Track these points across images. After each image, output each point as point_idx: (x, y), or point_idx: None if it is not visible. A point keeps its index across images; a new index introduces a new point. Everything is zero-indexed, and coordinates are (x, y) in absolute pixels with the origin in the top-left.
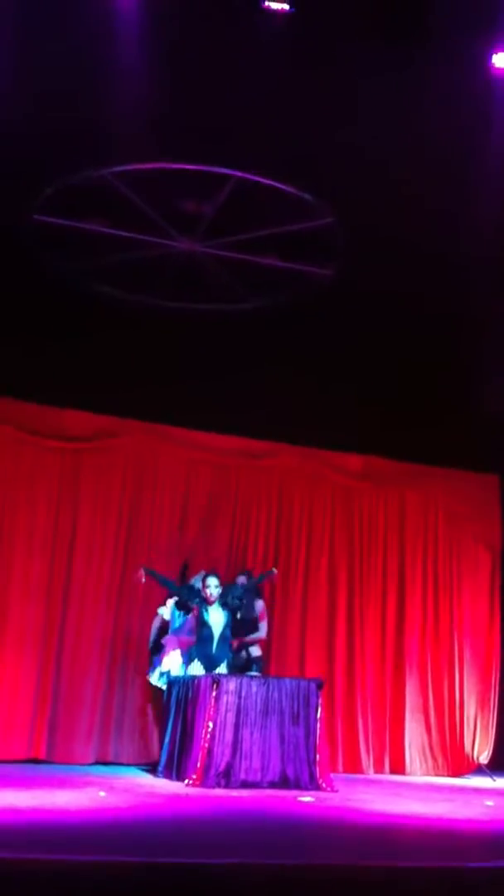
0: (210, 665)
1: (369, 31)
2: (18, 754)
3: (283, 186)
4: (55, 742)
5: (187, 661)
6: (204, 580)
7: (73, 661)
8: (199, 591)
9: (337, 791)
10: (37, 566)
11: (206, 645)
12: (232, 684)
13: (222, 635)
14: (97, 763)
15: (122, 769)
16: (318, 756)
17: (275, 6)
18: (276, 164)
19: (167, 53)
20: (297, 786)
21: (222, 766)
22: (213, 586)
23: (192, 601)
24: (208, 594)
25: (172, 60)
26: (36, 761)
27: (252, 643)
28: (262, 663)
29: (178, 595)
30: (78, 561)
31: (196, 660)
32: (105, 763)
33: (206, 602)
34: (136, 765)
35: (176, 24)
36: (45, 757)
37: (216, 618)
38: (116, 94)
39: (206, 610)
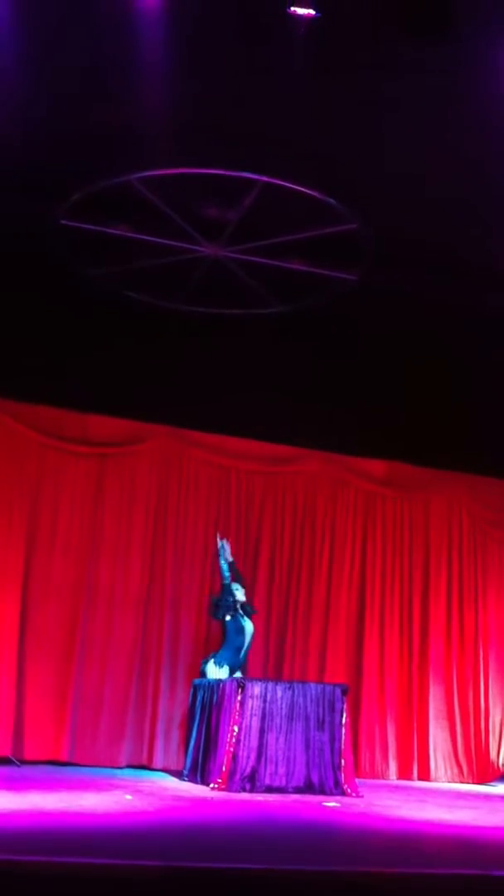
0: (233, 671)
1: (395, 35)
2: (52, 756)
3: (308, 191)
4: (81, 744)
5: (217, 664)
6: (230, 587)
7: (107, 666)
8: (235, 601)
9: (362, 797)
10: (60, 570)
11: (237, 652)
12: (257, 689)
13: (251, 641)
14: (127, 767)
15: (150, 772)
16: (343, 762)
17: (301, 11)
18: (302, 169)
19: (193, 59)
20: (322, 791)
21: (247, 771)
22: (239, 594)
23: (228, 610)
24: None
25: (198, 66)
26: (62, 763)
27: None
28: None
29: (221, 591)
30: (103, 565)
31: (225, 665)
32: (140, 767)
33: (239, 611)
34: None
35: (201, 31)
36: (70, 759)
37: (250, 627)
38: (142, 99)
39: (244, 619)
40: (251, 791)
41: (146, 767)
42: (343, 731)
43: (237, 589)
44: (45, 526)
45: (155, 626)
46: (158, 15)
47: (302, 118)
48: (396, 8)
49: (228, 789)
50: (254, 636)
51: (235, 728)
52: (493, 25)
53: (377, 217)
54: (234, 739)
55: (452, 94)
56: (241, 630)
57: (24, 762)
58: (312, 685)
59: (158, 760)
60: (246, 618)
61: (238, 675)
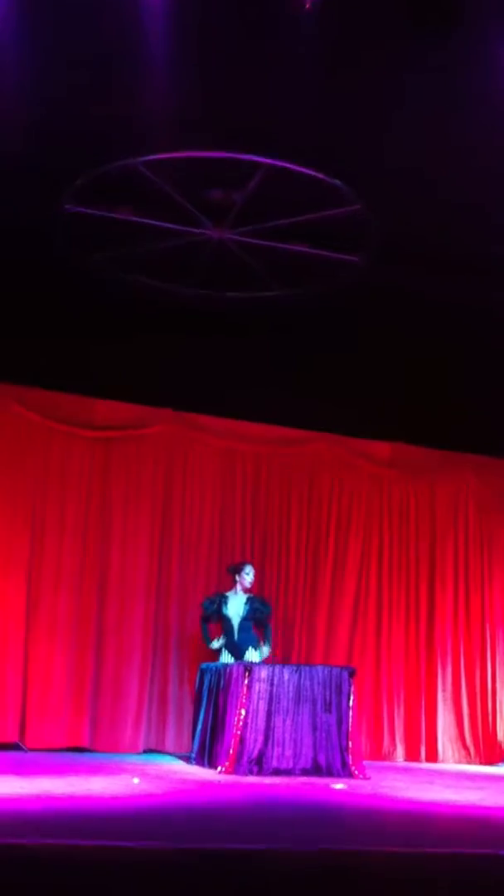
0: (236, 653)
1: (402, 18)
2: (60, 742)
3: (313, 173)
4: (96, 731)
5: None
6: (242, 568)
7: (115, 651)
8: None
9: (369, 778)
10: (69, 555)
11: (228, 635)
12: (264, 672)
13: (241, 624)
14: (144, 752)
15: (158, 756)
16: (350, 743)
17: None
18: (307, 155)
19: (196, 42)
20: (330, 773)
21: (255, 754)
22: (252, 575)
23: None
24: (245, 581)
25: (202, 49)
26: (79, 749)
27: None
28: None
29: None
30: (113, 549)
31: (224, 650)
32: (150, 751)
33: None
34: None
35: (205, 13)
36: (87, 745)
37: (235, 609)
38: (147, 85)
39: (226, 603)
40: (258, 774)
41: (154, 751)
42: (350, 713)
43: (251, 571)
44: (53, 511)
45: (163, 610)
46: (163, 3)
47: (307, 106)
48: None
49: (236, 772)
50: (246, 614)
51: (242, 711)
52: (501, 18)
53: (382, 202)
54: (241, 723)
55: (461, 85)
56: (224, 616)
57: (38, 750)
58: (319, 668)
59: (166, 744)
60: (228, 602)
61: (252, 653)
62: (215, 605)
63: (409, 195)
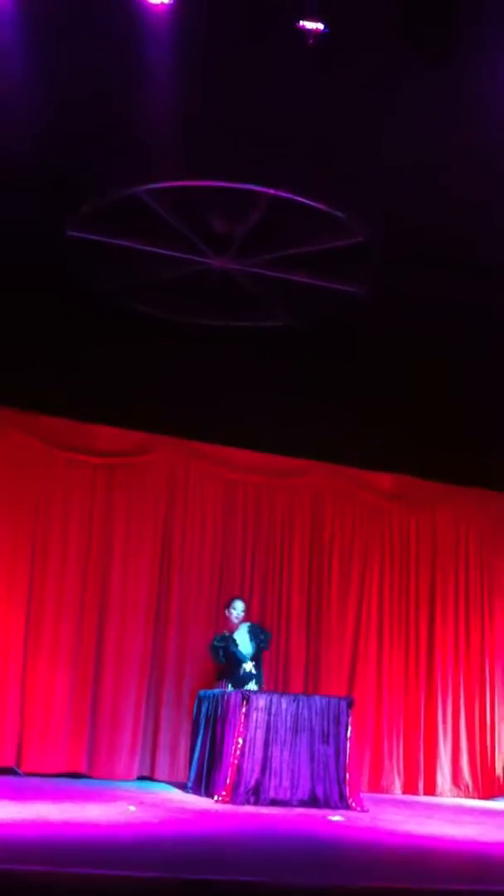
0: (240, 686)
1: (403, 44)
2: (57, 768)
3: (315, 204)
4: (95, 757)
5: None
6: (229, 603)
7: (114, 677)
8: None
9: (367, 811)
10: (70, 581)
11: (235, 669)
12: (262, 701)
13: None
14: (138, 779)
15: (153, 784)
16: (348, 775)
17: (310, 26)
18: (311, 181)
19: (201, 74)
20: (327, 805)
21: (252, 784)
22: (239, 610)
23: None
24: (231, 616)
25: (206, 81)
26: (75, 776)
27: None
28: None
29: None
30: (113, 577)
31: (228, 683)
32: (146, 779)
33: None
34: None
35: (209, 45)
36: (84, 771)
37: (244, 645)
38: (150, 112)
39: (234, 644)
40: (255, 804)
41: (149, 779)
42: (348, 744)
43: (239, 607)
44: (54, 537)
45: (161, 637)
46: (167, 30)
47: (311, 128)
48: (401, 25)
49: (233, 802)
50: (254, 652)
51: (240, 740)
52: (500, 28)
53: (387, 230)
54: (238, 752)
55: (461, 103)
56: (232, 654)
57: (34, 775)
58: (318, 698)
59: (162, 772)
60: (237, 639)
61: (249, 687)
62: (225, 645)
63: (413, 222)
